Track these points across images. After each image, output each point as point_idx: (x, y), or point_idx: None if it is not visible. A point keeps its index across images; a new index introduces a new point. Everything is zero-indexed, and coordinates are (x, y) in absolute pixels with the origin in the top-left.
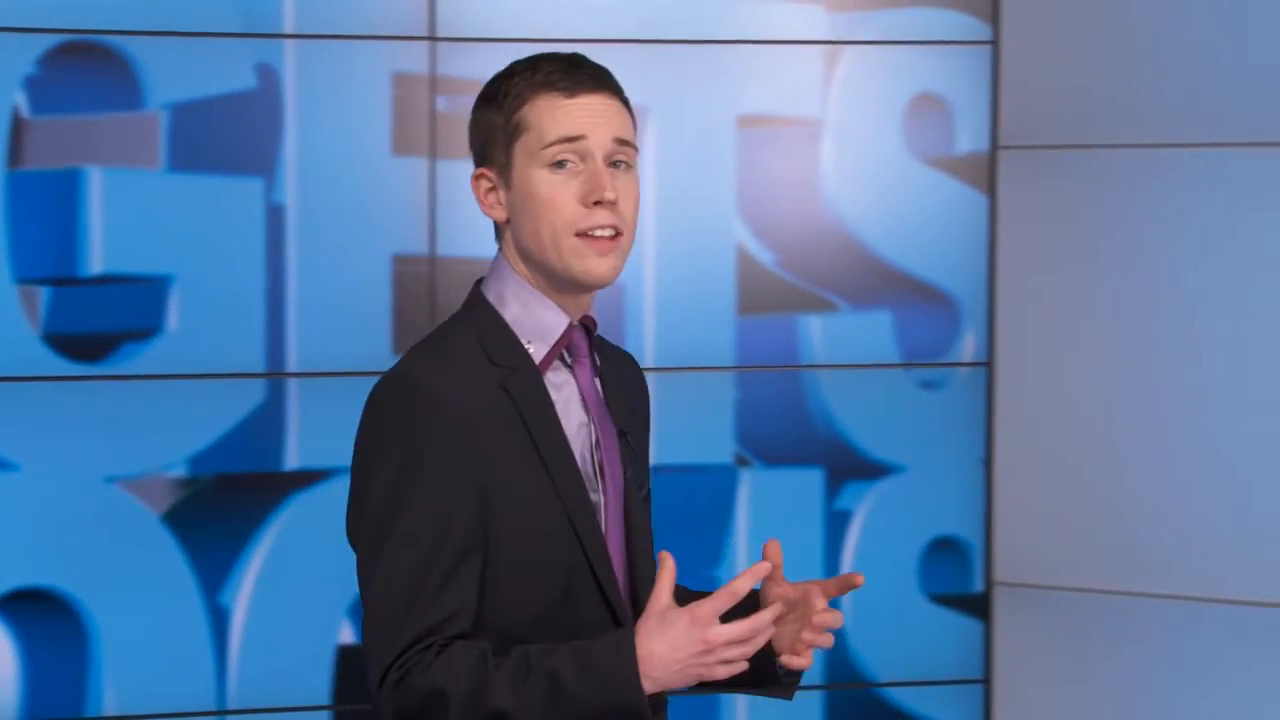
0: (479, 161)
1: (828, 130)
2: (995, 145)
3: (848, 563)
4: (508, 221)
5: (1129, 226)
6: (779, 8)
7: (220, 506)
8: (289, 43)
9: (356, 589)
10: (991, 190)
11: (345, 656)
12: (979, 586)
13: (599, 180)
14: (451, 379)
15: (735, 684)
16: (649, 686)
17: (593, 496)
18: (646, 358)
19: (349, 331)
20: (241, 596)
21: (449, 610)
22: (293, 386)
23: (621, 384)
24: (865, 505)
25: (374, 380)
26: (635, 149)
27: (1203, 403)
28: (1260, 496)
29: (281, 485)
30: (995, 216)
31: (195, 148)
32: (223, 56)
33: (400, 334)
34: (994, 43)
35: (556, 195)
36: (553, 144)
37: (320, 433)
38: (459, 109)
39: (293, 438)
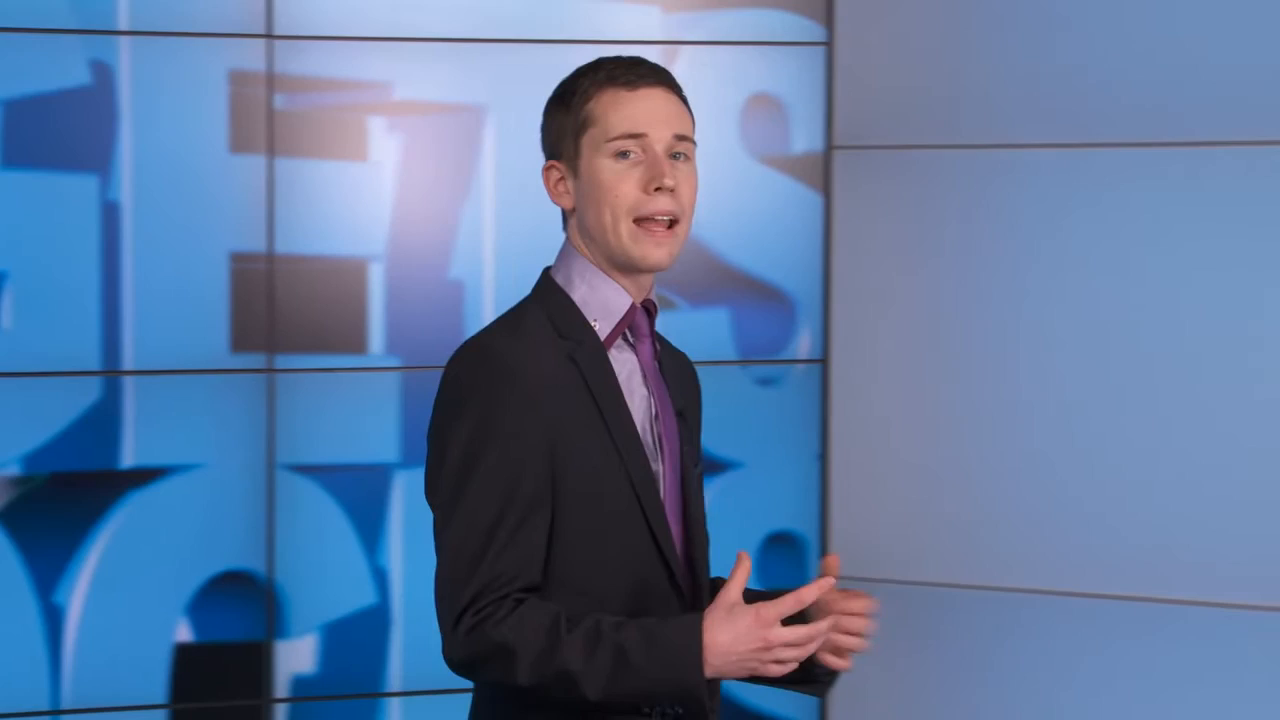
0: (549, 156)
1: None
2: (830, 145)
3: None
4: (573, 210)
5: (961, 226)
6: (617, 8)
7: (55, 505)
8: (124, 39)
9: (194, 587)
10: (826, 190)
11: (182, 655)
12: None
13: (660, 168)
14: (524, 349)
15: (778, 680)
16: (707, 672)
17: (652, 466)
18: None
19: (186, 329)
20: (77, 595)
21: (519, 560)
22: (129, 384)
23: (680, 374)
24: (706, 499)
25: (212, 378)
26: (694, 143)
27: (1033, 398)
28: (1088, 489)
29: (117, 483)
30: (830, 216)
31: (29, 144)
32: (57, 52)
33: (238, 331)
34: (828, 44)
35: (620, 182)
36: (617, 137)
37: (156, 430)
38: (297, 106)
39: (129, 436)
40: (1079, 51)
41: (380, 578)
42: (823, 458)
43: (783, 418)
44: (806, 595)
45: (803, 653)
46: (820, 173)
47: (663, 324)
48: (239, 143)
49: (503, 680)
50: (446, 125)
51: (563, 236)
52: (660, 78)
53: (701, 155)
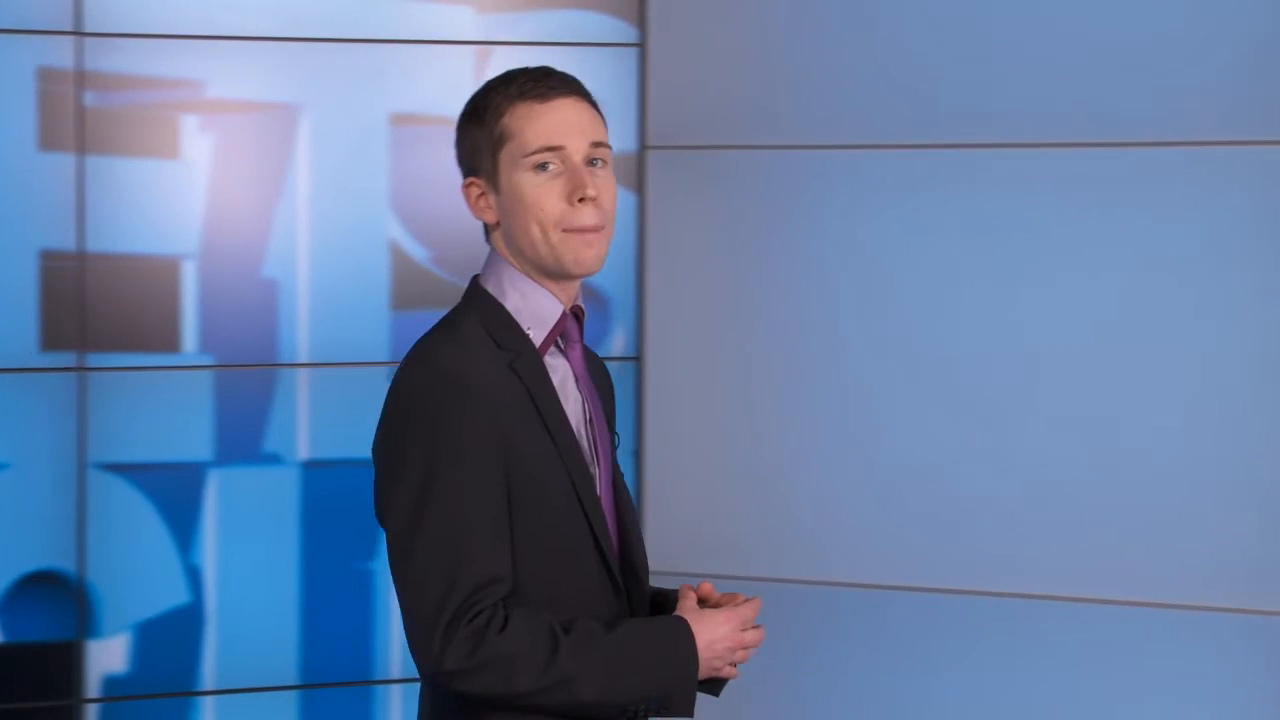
0: (467, 172)
1: None
2: (643, 145)
3: None
4: (497, 224)
5: (774, 225)
6: (430, 8)
7: None
8: None
9: (3, 588)
10: (640, 189)
11: None
12: None
13: (581, 179)
14: (470, 361)
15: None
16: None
17: (590, 468)
18: (300, 354)
19: None
20: None
21: (497, 566)
22: None
23: (598, 378)
24: None
25: (20, 377)
26: (609, 147)
27: (844, 393)
28: (900, 483)
29: None
30: (644, 215)
31: None
32: None
33: (48, 330)
34: (641, 45)
35: (543, 196)
36: (535, 152)
37: None
38: (108, 104)
39: None
40: (890, 53)
41: (194, 576)
42: (638, 454)
43: None
44: (756, 601)
45: (749, 655)
46: (634, 172)
47: None
48: (48, 140)
49: (500, 689)
50: (259, 124)
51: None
52: (571, 87)
53: None
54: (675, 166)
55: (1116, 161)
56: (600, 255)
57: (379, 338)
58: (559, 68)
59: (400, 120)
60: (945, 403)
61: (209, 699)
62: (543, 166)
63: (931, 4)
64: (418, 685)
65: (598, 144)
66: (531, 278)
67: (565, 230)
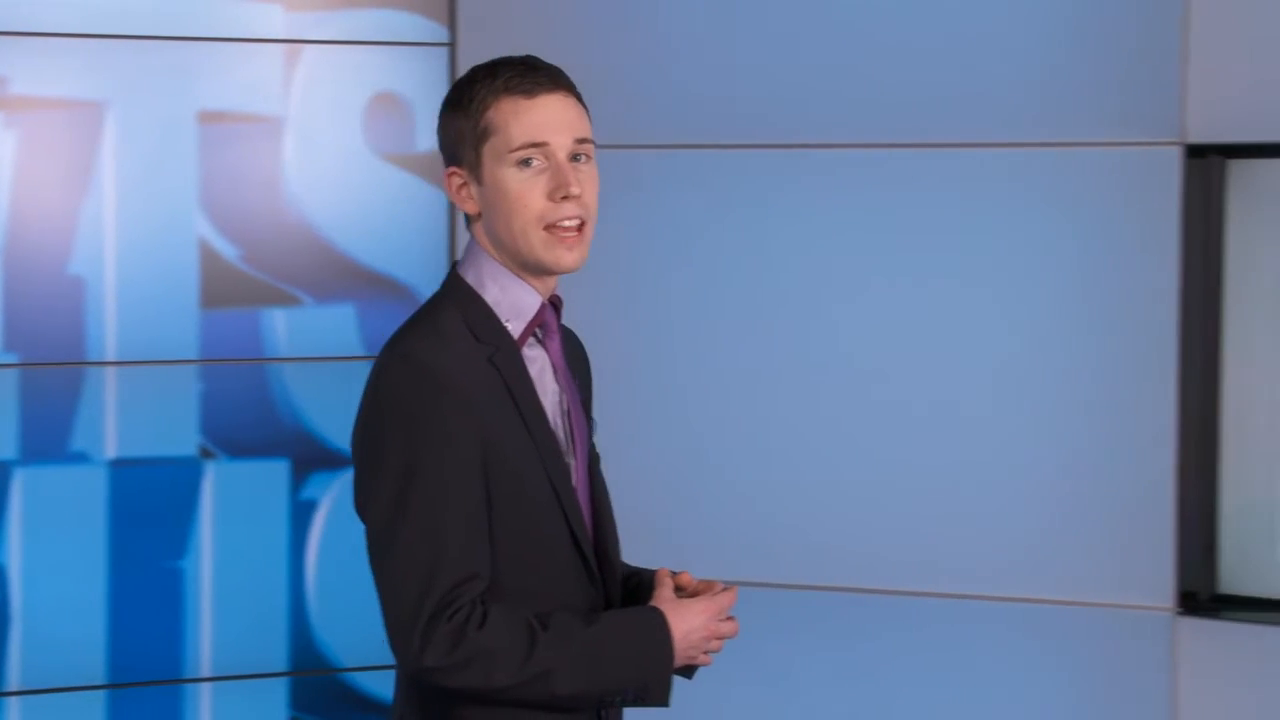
0: (449, 161)
1: (289, 127)
2: None
3: (313, 550)
4: (479, 215)
5: (604, 224)
6: (238, 6)
7: None
8: None
9: None
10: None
11: None
12: None
13: (564, 177)
14: (450, 357)
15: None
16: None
17: (565, 459)
18: (108, 352)
19: None
20: None
21: (476, 561)
22: None
23: (575, 357)
24: (331, 495)
25: None
26: (593, 143)
27: (674, 390)
28: (748, 480)
29: None
30: (454, 213)
31: None
32: None
33: None
34: (451, 45)
35: (526, 192)
36: (519, 148)
37: None
38: None
39: None
40: (713, 53)
41: None
42: None
43: None
44: (733, 591)
45: (723, 645)
46: (442, 172)
47: (287, 322)
48: None
49: (479, 684)
50: (65, 121)
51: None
52: (557, 82)
53: (325, 153)
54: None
55: (946, 162)
56: (581, 256)
57: (188, 336)
58: (370, 67)
59: (208, 118)
60: (783, 403)
61: (14, 699)
62: (526, 163)
63: (753, 4)
64: (228, 684)
65: (582, 140)
66: (511, 270)
67: (547, 227)
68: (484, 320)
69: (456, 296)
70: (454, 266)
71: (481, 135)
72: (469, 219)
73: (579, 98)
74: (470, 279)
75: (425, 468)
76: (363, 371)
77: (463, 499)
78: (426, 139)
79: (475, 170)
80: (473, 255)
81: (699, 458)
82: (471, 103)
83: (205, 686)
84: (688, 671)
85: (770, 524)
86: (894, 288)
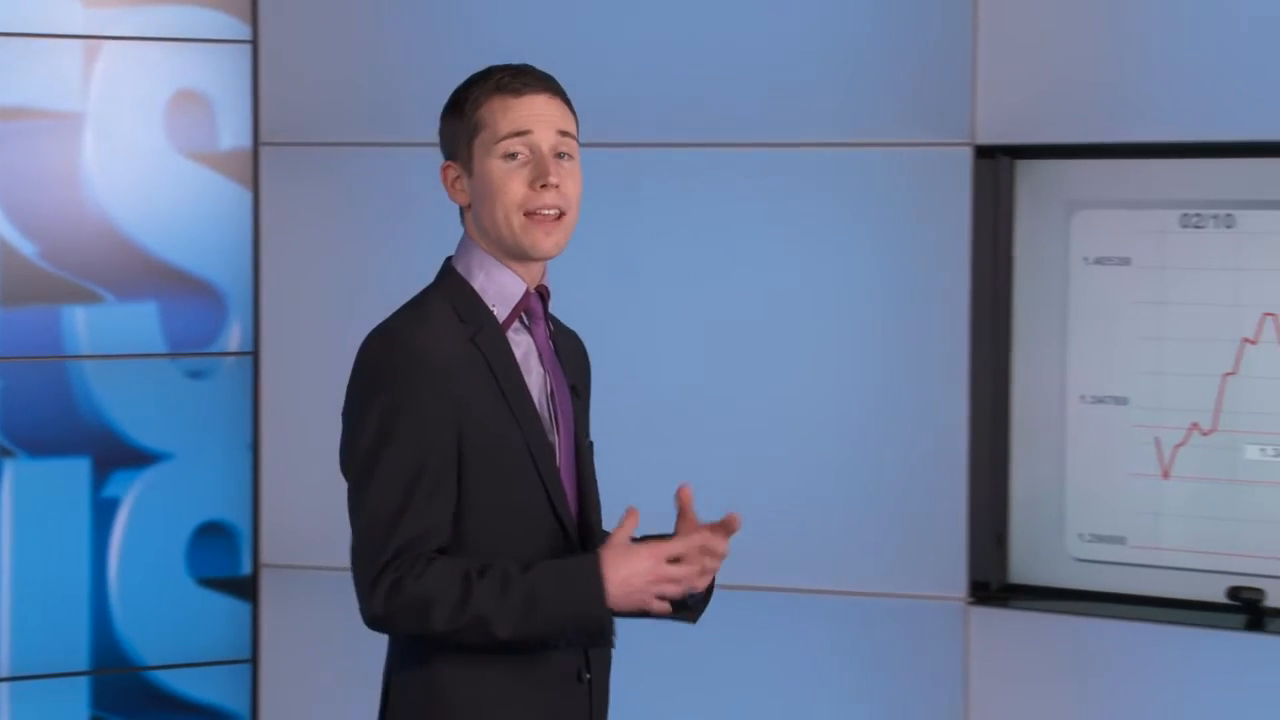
0: (446, 157)
1: (89, 124)
2: (257, 141)
3: (115, 549)
4: (469, 206)
5: (388, 221)
6: (37, 0)
7: None
8: None
9: None
10: (255, 185)
11: None
12: (246, 569)
13: (545, 167)
14: (429, 333)
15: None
16: (609, 604)
17: (549, 438)
18: None
19: None
20: None
21: (430, 524)
22: None
23: (572, 352)
24: (133, 493)
25: None
26: (578, 141)
27: None
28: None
29: None
30: (259, 210)
31: None
32: None
33: None
34: (253, 42)
35: (509, 180)
36: (505, 138)
37: None
38: None
39: None
40: (507, 50)
41: None
42: (254, 447)
43: (214, 409)
44: (695, 539)
45: (681, 589)
46: (248, 168)
47: (88, 319)
48: None
49: (419, 630)
50: None
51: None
52: (545, 84)
53: (126, 150)
54: (289, 162)
55: (743, 161)
56: (559, 242)
57: None
58: (171, 64)
59: (5, 114)
60: (637, 395)
61: None
62: (512, 155)
63: (552, 3)
64: (27, 683)
65: (565, 134)
66: (497, 258)
67: (527, 214)
68: (470, 304)
69: (445, 283)
70: (448, 259)
71: (474, 130)
72: (462, 211)
73: (567, 102)
74: (460, 267)
75: (395, 433)
76: (166, 369)
77: (429, 463)
78: (229, 136)
79: (468, 164)
80: (463, 245)
81: None
82: (466, 102)
83: (3, 686)
84: (688, 614)
85: None
86: (694, 286)
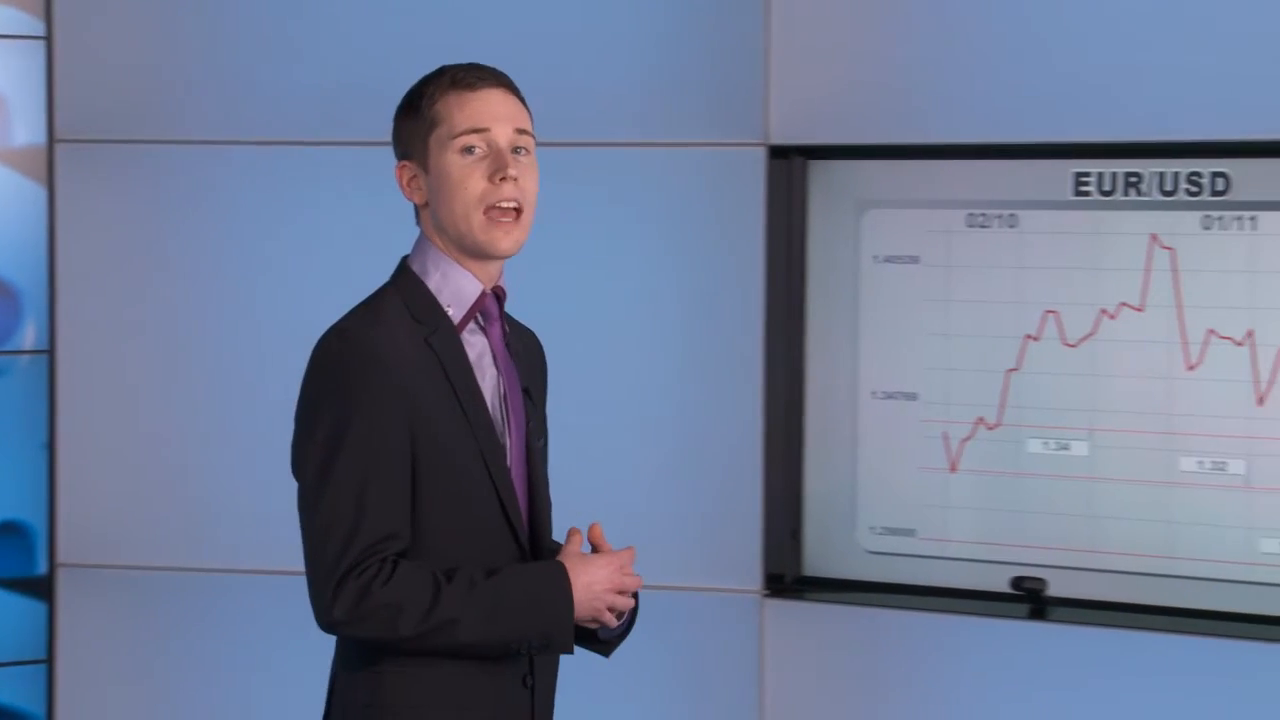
0: (401, 156)
1: None
2: (52, 138)
3: None
4: (426, 204)
5: (183, 218)
6: None
7: None
8: None
9: None
10: (50, 182)
11: None
12: (42, 569)
13: (503, 160)
14: (382, 333)
15: (586, 639)
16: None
17: (500, 439)
18: None
19: None
20: None
21: (390, 529)
22: None
23: (528, 353)
24: None
25: None
26: (534, 137)
27: (252, 383)
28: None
29: None
30: (54, 208)
31: None
32: None
33: None
34: (47, 39)
35: (467, 175)
36: (462, 133)
37: None
38: None
39: None
40: (300, 49)
41: None
42: (50, 447)
43: (8, 408)
44: (631, 549)
45: (627, 603)
46: (43, 166)
47: None
48: None
49: (385, 634)
50: None
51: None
52: (499, 79)
53: None
54: (85, 160)
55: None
56: (517, 240)
57: None
58: None
59: None
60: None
61: None
62: (469, 150)
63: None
64: None
65: (522, 131)
66: (453, 257)
67: (486, 210)
68: (425, 304)
69: (401, 283)
70: (404, 258)
71: (429, 127)
72: (418, 211)
73: (522, 99)
74: (415, 267)
75: (350, 435)
76: None
77: (385, 465)
78: (23, 133)
79: (424, 161)
80: (419, 244)
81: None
82: (421, 99)
83: None
84: (604, 648)
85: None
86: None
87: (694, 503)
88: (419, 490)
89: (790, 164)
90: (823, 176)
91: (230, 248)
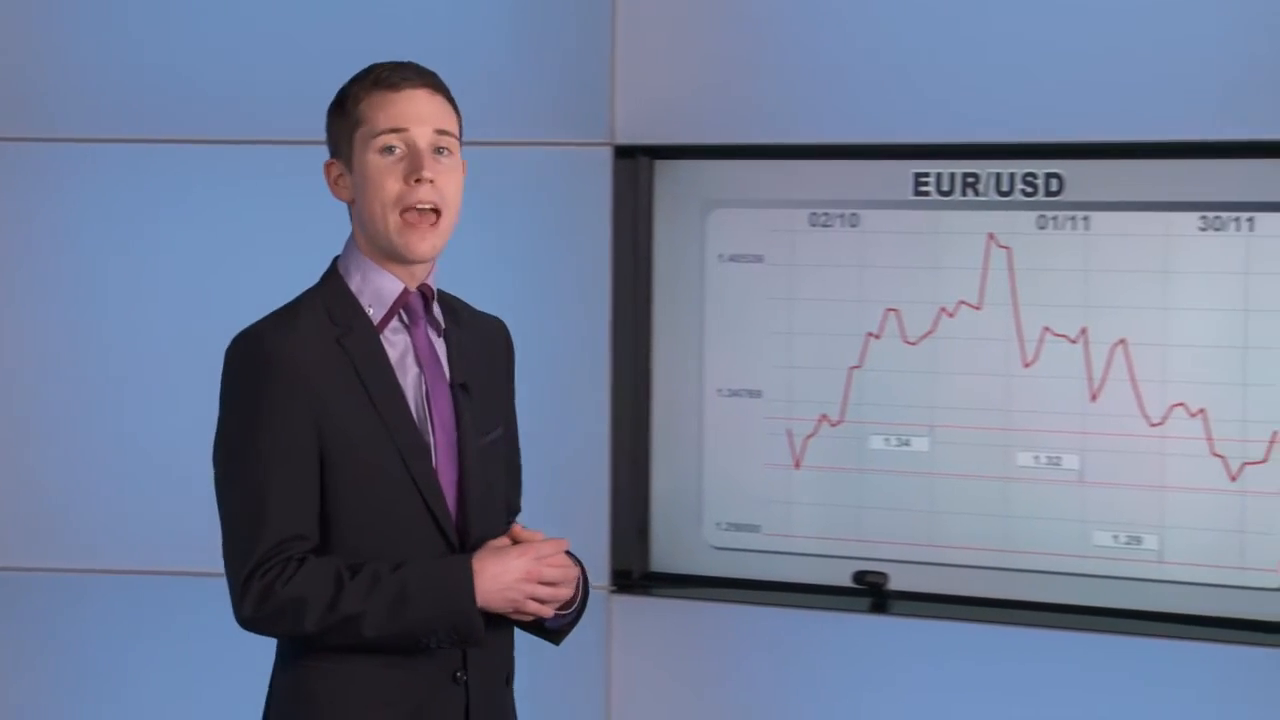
0: (330, 154)
1: None
2: None
3: None
4: (353, 202)
5: (21, 218)
6: None
7: None
8: None
9: None
10: None
11: None
12: None
13: (419, 161)
14: (291, 336)
15: (532, 626)
16: (478, 599)
17: (424, 439)
18: None
19: None
20: None
21: (296, 528)
22: None
23: (480, 345)
24: None
25: None
26: (457, 139)
27: (102, 386)
28: (149, 472)
29: None
30: None
31: None
32: None
33: None
34: None
35: (384, 175)
36: (382, 133)
37: None
38: None
39: None
40: (146, 44)
41: None
42: None
43: None
44: (564, 541)
45: (560, 594)
46: None
47: None
48: None
49: (291, 631)
50: None
51: None
52: (424, 79)
53: None
54: None
55: None
56: (435, 245)
57: None
58: None
59: None
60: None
61: None
62: (389, 150)
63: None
64: None
65: (443, 132)
66: (374, 259)
67: (403, 212)
68: (344, 305)
69: (326, 284)
70: (335, 258)
71: (354, 126)
72: (350, 210)
73: (449, 99)
74: (341, 267)
75: (252, 438)
76: None
77: (288, 467)
78: None
79: (349, 160)
80: (347, 244)
81: None
82: (348, 98)
83: None
84: (554, 636)
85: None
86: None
87: (542, 500)
88: (332, 490)
89: (636, 164)
90: (668, 176)
91: (74, 249)
